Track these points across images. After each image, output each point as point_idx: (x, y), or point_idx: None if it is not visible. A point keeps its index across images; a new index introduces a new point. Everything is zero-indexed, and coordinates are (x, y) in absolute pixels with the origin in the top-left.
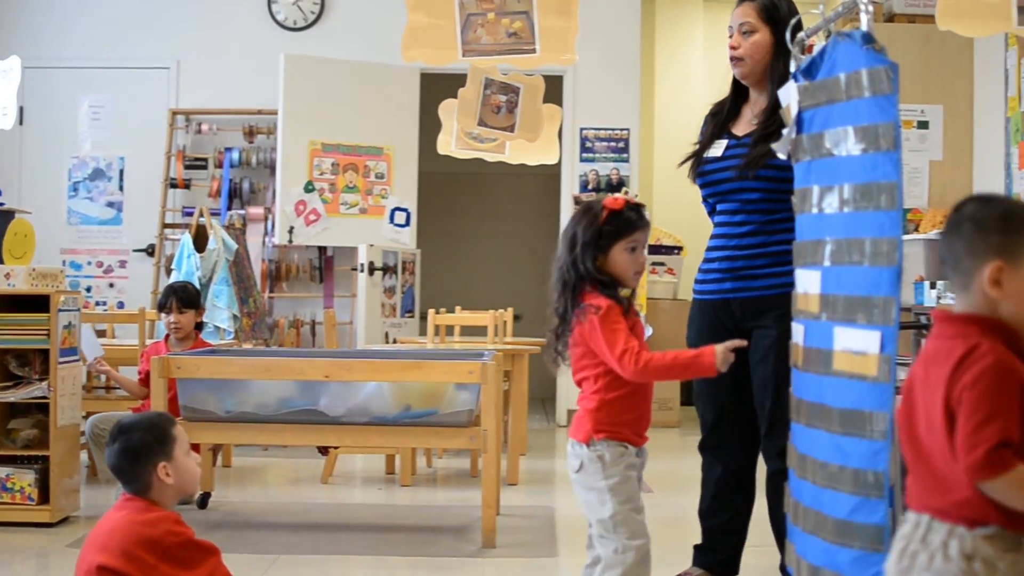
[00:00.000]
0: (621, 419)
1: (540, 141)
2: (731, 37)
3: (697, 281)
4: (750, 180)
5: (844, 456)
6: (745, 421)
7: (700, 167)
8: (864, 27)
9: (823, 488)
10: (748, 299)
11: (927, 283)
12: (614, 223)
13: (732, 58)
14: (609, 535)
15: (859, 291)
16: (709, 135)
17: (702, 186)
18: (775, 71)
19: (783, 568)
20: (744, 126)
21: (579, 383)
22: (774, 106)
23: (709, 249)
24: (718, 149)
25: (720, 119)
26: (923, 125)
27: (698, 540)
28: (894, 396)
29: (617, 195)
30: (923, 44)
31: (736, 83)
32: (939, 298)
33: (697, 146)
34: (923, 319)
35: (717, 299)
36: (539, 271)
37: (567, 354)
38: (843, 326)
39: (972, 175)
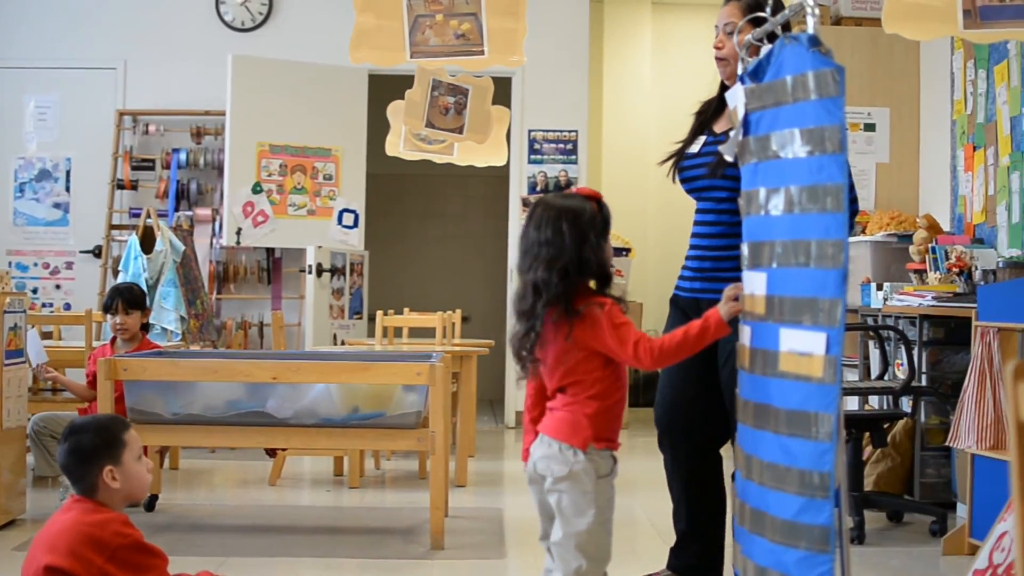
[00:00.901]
0: (614, 425)
1: (488, 142)
2: (716, 37)
3: (678, 277)
4: (720, 179)
5: (790, 457)
6: (701, 421)
7: (679, 163)
8: (810, 30)
9: (769, 489)
10: (714, 300)
11: (873, 285)
12: (603, 215)
13: (717, 58)
14: (577, 552)
15: (805, 293)
16: (691, 132)
17: (682, 183)
18: None
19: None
20: (724, 123)
21: (563, 387)
22: None
23: (689, 247)
24: (697, 146)
25: (705, 118)
26: (870, 127)
27: (641, 540)
28: (839, 397)
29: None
30: (870, 47)
31: (723, 82)
32: (885, 300)
33: (680, 144)
34: (869, 320)
35: (689, 297)
36: (488, 273)
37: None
38: (789, 328)
39: (918, 177)
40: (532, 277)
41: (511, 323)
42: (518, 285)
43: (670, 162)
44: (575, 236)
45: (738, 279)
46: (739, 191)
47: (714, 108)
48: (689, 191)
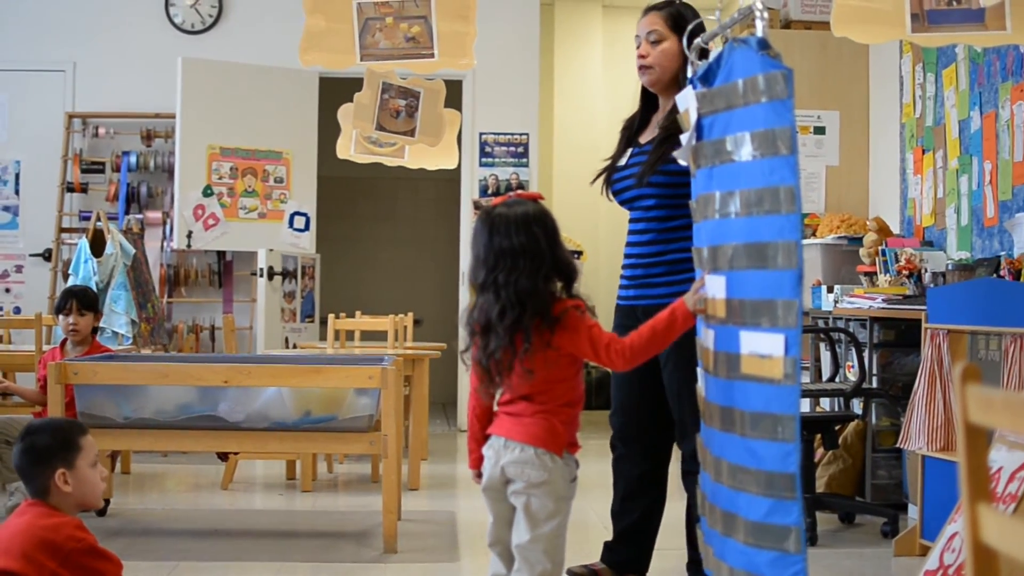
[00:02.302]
0: (577, 429)
1: (440, 146)
2: (638, 47)
3: (619, 286)
4: (646, 187)
5: (757, 459)
6: (652, 423)
7: (610, 176)
8: (759, 33)
9: (739, 491)
10: (648, 306)
11: (824, 287)
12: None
13: (641, 67)
14: (543, 555)
15: (763, 295)
16: (619, 147)
17: (613, 196)
18: (684, 78)
19: (689, 566)
20: (649, 134)
21: (529, 394)
22: (674, 111)
23: (624, 256)
24: (624, 159)
25: (631, 132)
26: (820, 131)
27: (593, 540)
28: (800, 398)
29: (513, 192)
30: (819, 50)
31: (645, 94)
32: (835, 302)
33: (609, 161)
34: (820, 323)
35: (626, 304)
36: (439, 276)
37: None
38: (749, 330)
39: (868, 180)
40: (513, 287)
41: (463, 332)
42: (484, 298)
43: (601, 179)
44: (549, 239)
45: (670, 283)
46: (666, 198)
47: (639, 120)
48: (621, 203)
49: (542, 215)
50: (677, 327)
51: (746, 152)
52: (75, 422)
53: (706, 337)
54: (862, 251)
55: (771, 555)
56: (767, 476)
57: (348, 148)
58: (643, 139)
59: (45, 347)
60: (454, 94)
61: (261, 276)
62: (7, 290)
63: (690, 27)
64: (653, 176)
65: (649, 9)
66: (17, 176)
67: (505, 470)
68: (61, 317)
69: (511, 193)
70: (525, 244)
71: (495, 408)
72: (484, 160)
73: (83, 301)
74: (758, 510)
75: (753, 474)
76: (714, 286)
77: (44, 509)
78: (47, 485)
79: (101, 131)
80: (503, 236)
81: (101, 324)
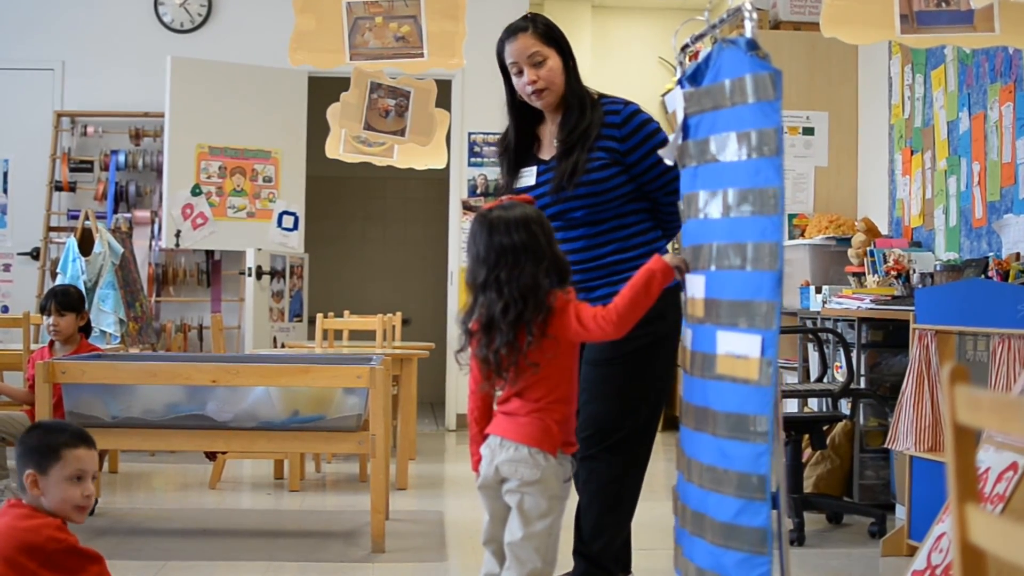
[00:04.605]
0: (573, 428)
1: (429, 145)
2: (519, 74)
3: None
4: (571, 200)
5: (728, 460)
6: None
7: None
8: (748, 34)
9: (708, 491)
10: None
11: (812, 288)
12: None
13: (535, 92)
14: (535, 554)
15: (741, 295)
16: (510, 169)
17: None
18: (572, 89)
19: (578, 553)
20: (549, 150)
21: (521, 391)
22: (565, 121)
23: None
24: (530, 177)
25: (516, 151)
26: (808, 131)
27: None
28: (775, 399)
29: (506, 196)
30: (808, 51)
31: (520, 111)
32: (824, 302)
33: (503, 186)
34: (808, 323)
35: None
36: (428, 276)
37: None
38: (725, 330)
39: (857, 181)
40: (516, 284)
41: (454, 330)
42: (485, 296)
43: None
44: (547, 238)
45: (605, 284)
46: (594, 206)
47: (519, 139)
48: None
49: (539, 216)
50: (656, 281)
51: (731, 152)
52: (73, 430)
53: (684, 336)
54: (850, 252)
55: (738, 556)
56: (738, 477)
57: (337, 147)
58: (545, 155)
59: (33, 346)
60: (443, 94)
61: (249, 275)
62: None
63: (680, 26)
64: (575, 188)
65: (515, 32)
66: (5, 175)
67: (499, 469)
68: (44, 317)
69: (503, 197)
70: (526, 241)
71: (495, 408)
72: (473, 160)
73: (62, 301)
74: (727, 511)
75: (724, 474)
76: (693, 285)
77: (24, 510)
78: (23, 482)
79: (90, 130)
80: (503, 235)
81: (90, 323)
